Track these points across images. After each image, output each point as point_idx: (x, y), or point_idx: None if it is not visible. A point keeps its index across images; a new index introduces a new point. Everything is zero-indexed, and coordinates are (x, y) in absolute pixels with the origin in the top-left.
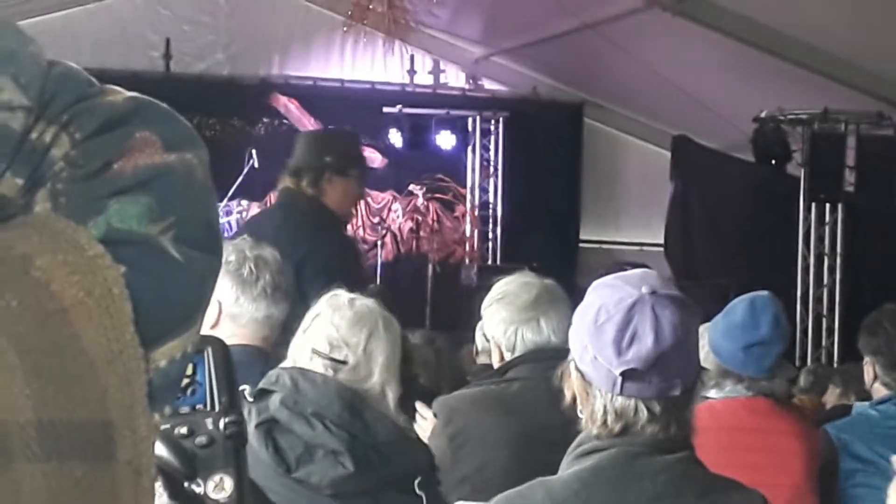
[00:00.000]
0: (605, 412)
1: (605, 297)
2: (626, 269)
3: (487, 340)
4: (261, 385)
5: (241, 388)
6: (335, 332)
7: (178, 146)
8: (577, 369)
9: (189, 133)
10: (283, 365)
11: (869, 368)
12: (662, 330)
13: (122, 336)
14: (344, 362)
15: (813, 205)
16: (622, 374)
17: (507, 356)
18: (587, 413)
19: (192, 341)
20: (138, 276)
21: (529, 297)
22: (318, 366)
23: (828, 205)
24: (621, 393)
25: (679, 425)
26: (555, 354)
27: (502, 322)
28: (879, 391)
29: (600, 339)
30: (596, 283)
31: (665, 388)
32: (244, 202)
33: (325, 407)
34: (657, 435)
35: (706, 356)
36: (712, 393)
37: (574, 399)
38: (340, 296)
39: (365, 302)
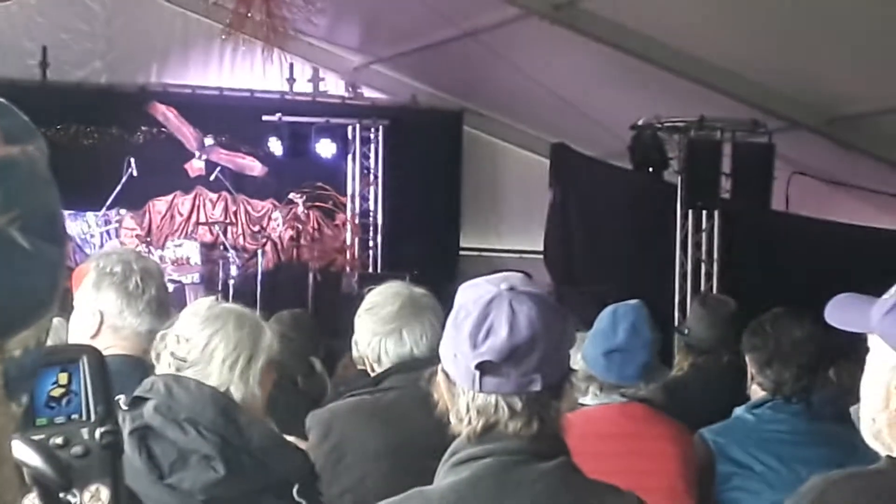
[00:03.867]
0: (467, 410)
1: (467, 296)
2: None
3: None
4: (136, 393)
5: (117, 397)
6: (183, 330)
7: (19, 139)
8: (443, 371)
9: (28, 126)
10: (157, 373)
11: (749, 369)
12: (518, 323)
13: None
14: (184, 359)
15: (690, 212)
16: (478, 366)
17: (376, 367)
18: (453, 415)
19: (45, 330)
20: None
21: (393, 309)
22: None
23: (704, 212)
24: (481, 389)
25: (543, 422)
26: (426, 363)
27: (368, 333)
28: (756, 392)
29: (459, 335)
30: (462, 285)
31: (524, 382)
32: (122, 211)
33: (198, 412)
34: (520, 432)
35: (577, 362)
36: (588, 400)
37: (443, 403)
38: (203, 301)
39: (225, 305)
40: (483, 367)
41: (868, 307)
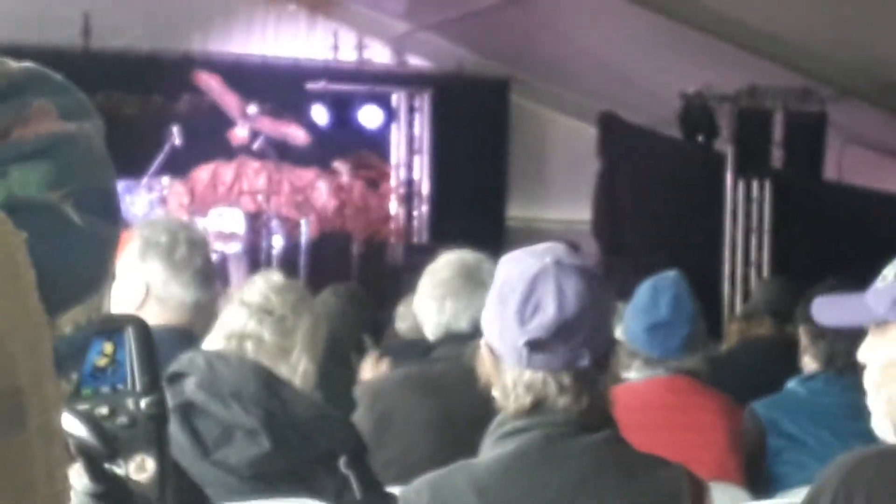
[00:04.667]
0: (514, 386)
1: (510, 270)
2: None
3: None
4: (172, 369)
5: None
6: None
7: (75, 116)
8: (488, 345)
9: (84, 103)
10: (201, 350)
11: (802, 338)
12: (565, 298)
13: (26, 302)
14: (271, 312)
15: (740, 182)
16: (526, 343)
17: (425, 332)
18: (499, 391)
19: (97, 308)
20: (41, 243)
21: (445, 276)
22: (231, 347)
23: (755, 182)
24: (528, 365)
25: (591, 397)
26: (468, 338)
27: (421, 295)
28: (808, 365)
29: (505, 311)
30: (504, 257)
31: (572, 357)
32: (166, 179)
33: (241, 387)
34: (570, 408)
35: (620, 336)
36: (632, 374)
37: (487, 378)
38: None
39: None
40: (531, 345)
41: (860, 300)
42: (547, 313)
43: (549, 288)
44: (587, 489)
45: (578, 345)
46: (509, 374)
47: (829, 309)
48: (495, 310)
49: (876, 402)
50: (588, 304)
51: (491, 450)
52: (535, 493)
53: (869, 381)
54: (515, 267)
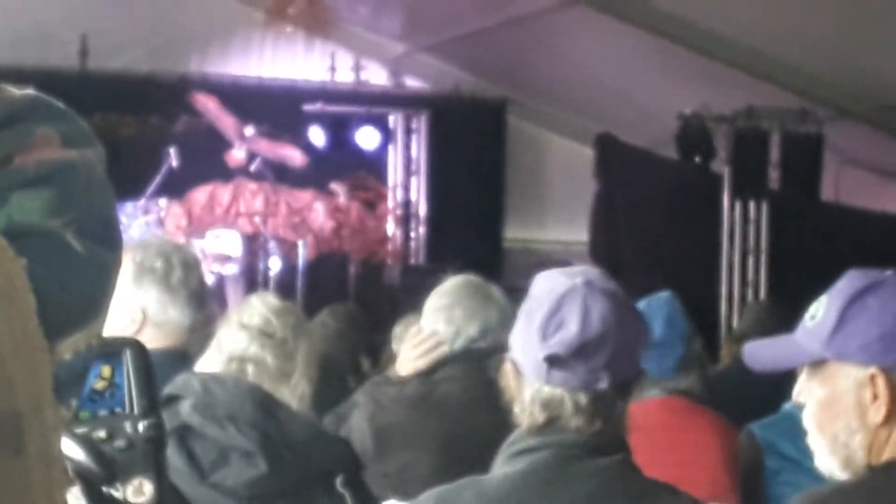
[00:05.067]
0: (532, 402)
1: (541, 286)
2: (549, 268)
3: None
4: (168, 391)
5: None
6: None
7: (77, 143)
8: (512, 360)
9: (86, 131)
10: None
11: None
12: (590, 318)
13: (26, 327)
14: (272, 335)
15: (737, 203)
16: (546, 358)
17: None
18: (518, 405)
19: (97, 333)
20: (41, 269)
21: (452, 287)
22: (230, 370)
23: (752, 203)
24: (547, 381)
25: (606, 421)
26: (483, 355)
27: (427, 311)
28: None
29: (529, 325)
30: (538, 275)
31: (591, 379)
32: (162, 201)
33: (237, 409)
34: (583, 429)
35: None
36: None
37: (510, 394)
38: (266, 296)
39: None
40: (551, 360)
41: (791, 341)
42: (570, 330)
43: (576, 307)
44: None
45: (599, 367)
46: (528, 390)
47: (763, 352)
48: (522, 324)
49: (819, 441)
50: (612, 328)
51: (501, 467)
52: None
53: (808, 420)
54: (546, 284)
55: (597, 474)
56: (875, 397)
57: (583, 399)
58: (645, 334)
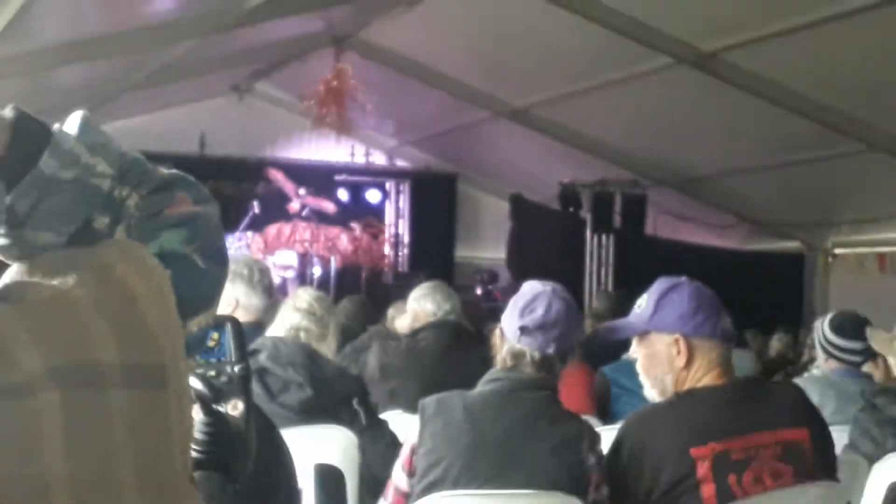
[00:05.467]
0: (507, 353)
1: (526, 288)
2: (488, 277)
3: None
4: (251, 347)
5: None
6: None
7: (202, 202)
8: (501, 329)
9: (207, 194)
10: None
11: None
12: (550, 310)
13: (169, 314)
14: (314, 313)
15: (595, 236)
16: (520, 328)
17: (416, 323)
18: (499, 355)
19: (212, 315)
20: (179, 277)
21: (430, 285)
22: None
23: (604, 236)
24: (518, 342)
25: (548, 372)
26: (451, 324)
27: (411, 300)
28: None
29: (514, 308)
30: (527, 281)
31: (544, 345)
32: (249, 234)
33: (294, 358)
34: (532, 374)
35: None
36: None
37: (496, 348)
38: (308, 290)
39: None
40: (522, 329)
41: (627, 322)
42: (536, 314)
43: (543, 301)
44: (527, 423)
45: (550, 339)
46: (506, 346)
47: (610, 329)
48: (510, 307)
49: (646, 379)
50: (562, 318)
51: (480, 387)
52: (498, 419)
53: (639, 367)
54: (529, 286)
55: (533, 400)
56: (678, 352)
57: (536, 356)
58: (581, 326)
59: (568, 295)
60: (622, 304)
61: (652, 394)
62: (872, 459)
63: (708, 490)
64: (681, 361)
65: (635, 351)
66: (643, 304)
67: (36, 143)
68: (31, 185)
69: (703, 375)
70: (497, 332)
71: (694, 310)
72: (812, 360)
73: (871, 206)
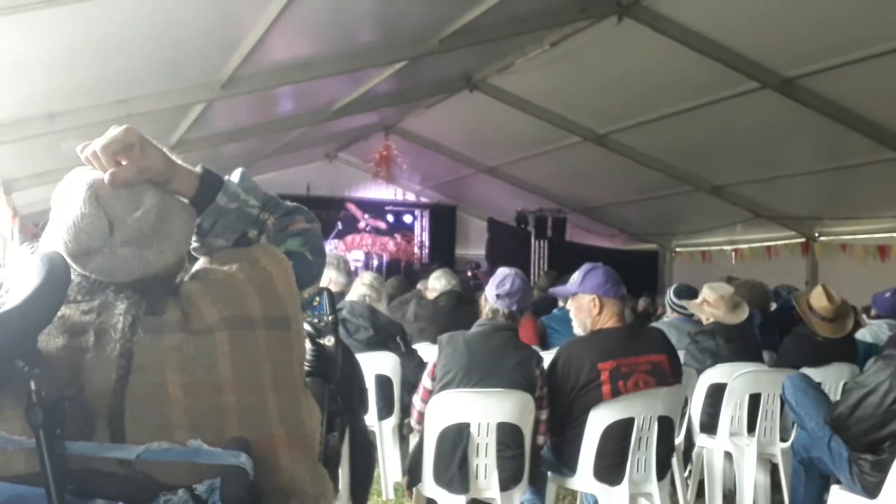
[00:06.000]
0: (489, 310)
1: (499, 272)
2: (475, 265)
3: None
4: (339, 306)
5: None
6: (371, 279)
7: (311, 221)
8: (485, 295)
9: (313, 217)
10: (346, 299)
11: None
12: (514, 283)
13: (292, 285)
14: (373, 286)
15: (536, 243)
16: (496, 295)
17: (434, 293)
18: (483, 310)
19: (316, 288)
20: (297, 265)
21: (441, 270)
22: (362, 295)
23: (542, 242)
24: (495, 304)
25: (513, 320)
26: (456, 294)
27: (432, 281)
28: (561, 303)
29: (493, 283)
30: (501, 267)
31: (511, 305)
32: (335, 242)
33: (363, 312)
34: (503, 320)
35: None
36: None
37: (483, 307)
38: (370, 273)
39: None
40: (497, 296)
41: (567, 286)
42: (505, 286)
43: (510, 279)
44: (501, 349)
45: (514, 302)
46: (488, 306)
47: (558, 289)
48: (490, 283)
49: (574, 321)
50: (520, 289)
51: (473, 329)
52: (483, 347)
53: (572, 314)
54: (501, 271)
55: (504, 336)
56: (595, 306)
57: (506, 311)
58: (531, 294)
59: (524, 275)
60: (554, 280)
61: (578, 330)
62: (699, 372)
63: (606, 388)
64: (595, 311)
65: (570, 304)
66: (575, 277)
67: (214, 187)
68: (211, 212)
69: (608, 320)
70: (483, 297)
71: (605, 281)
72: (663, 312)
73: (696, 224)
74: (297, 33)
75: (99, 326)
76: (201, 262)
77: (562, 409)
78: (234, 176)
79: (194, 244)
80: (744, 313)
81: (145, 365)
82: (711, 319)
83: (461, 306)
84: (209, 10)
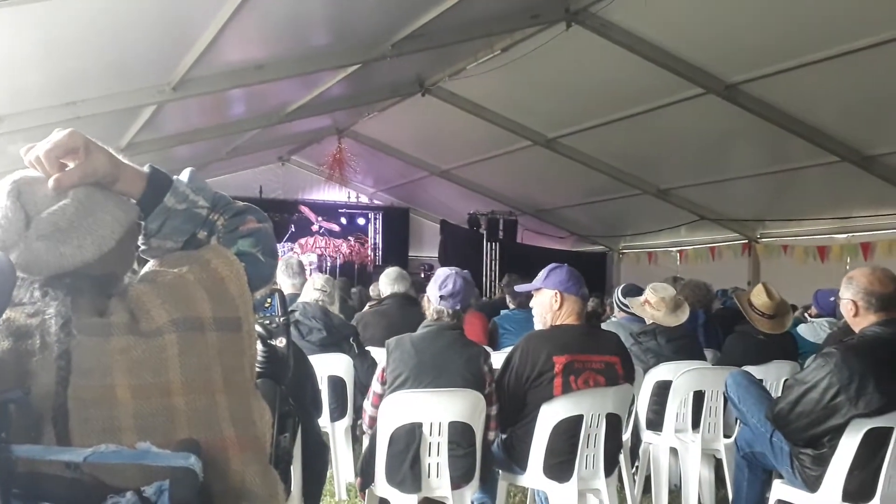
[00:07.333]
0: (433, 311)
1: (440, 272)
2: (428, 267)
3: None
4: (291, 308)
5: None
6: (322, 281)
7: (262, 221)
8: (428, 297)
9: (265, 217)
10: (299, 301)
11: (508, 296)
12: (456, 284)
13: (244, 287)
14: (325, 290)
15: (488, 244)
16: (439, 296)
17: (381, 294)
18: (428, 312)
19: (268, 290)
20: (248, 267)
21: (393, 271)
22: (314, 299)
23: (493, 244)
24: (439, 305)
25: (458, 320)
26: (403, 296)
27: (382, 282)
28: (510, 304)
29: (435, 284)
30: (440, 268)
31: (454, 304)
32: (288, 244)
33: (315, 313)
34: (448, 320)
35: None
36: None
37: (426, 310)
38: (322, 275)
39: (328, 276)
40: (441, 297)
41: (531, 283)
42: (448, 286)
43: (452, 279)
44: (448, 349)
45: (457, 301)
46: (432, 306)
47: (524, 286)
48: (431, 284)
49: (536, 316)
50: (462, 288)
51: (420, 330)
52: (431, 348)
53: (534, 310)
54: (443, 271)
55: (450, 336)
56: (556, 301)
57: (450, 311)
58: (473, 291)
59: (465, 273)
60: (514, 281)
61: (538, 325)
62: (645, 370)
63: (558, 381)
64: (556, 306)
65: (533, 300)
66: (540, 275)
67: (162, 188)
68: (159, 213)
69: (567, 317)
70: (426, 299)
71: (567, 278)
72: (612, 313)
73: (642, 226)
74: (250, 36)
75: (43, 329)
76: (151, 265)
77: (515, 401)
78: (184, 175)
79: (142, 246)
80: (684, 314)
81: (91, 367)
82: (652, 321)
83: (407, 308)
84: (160, 12)
